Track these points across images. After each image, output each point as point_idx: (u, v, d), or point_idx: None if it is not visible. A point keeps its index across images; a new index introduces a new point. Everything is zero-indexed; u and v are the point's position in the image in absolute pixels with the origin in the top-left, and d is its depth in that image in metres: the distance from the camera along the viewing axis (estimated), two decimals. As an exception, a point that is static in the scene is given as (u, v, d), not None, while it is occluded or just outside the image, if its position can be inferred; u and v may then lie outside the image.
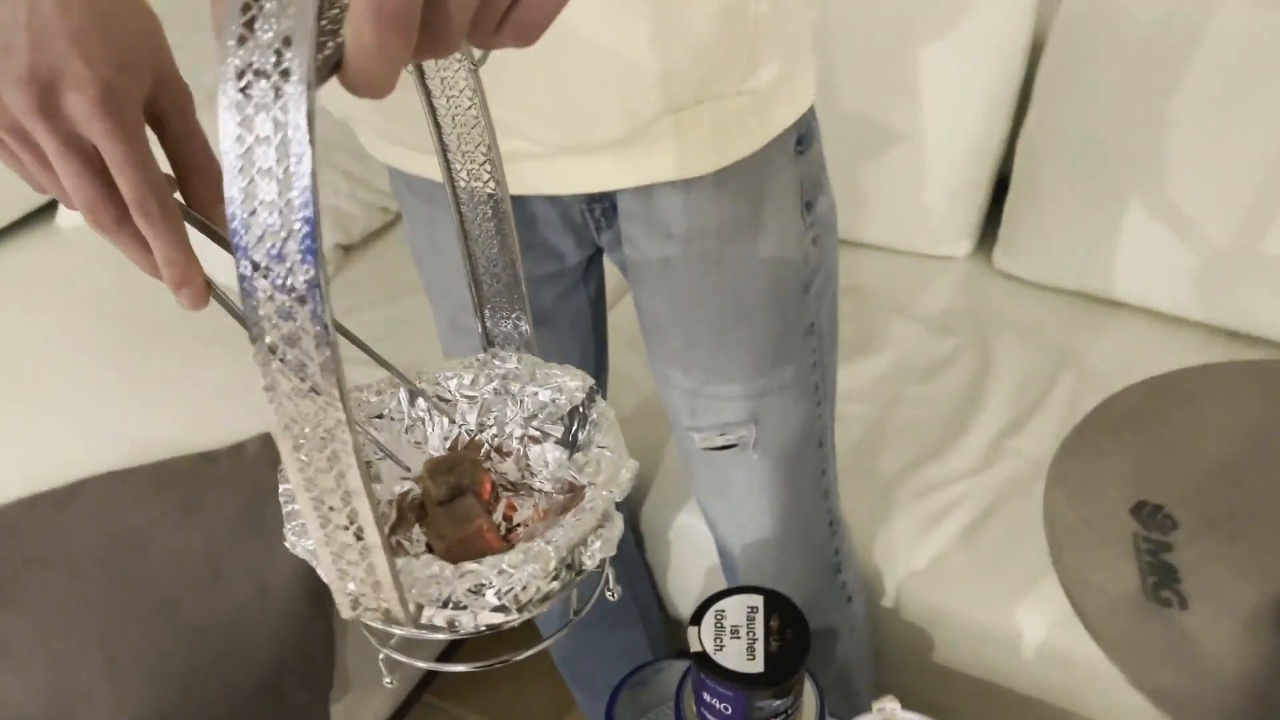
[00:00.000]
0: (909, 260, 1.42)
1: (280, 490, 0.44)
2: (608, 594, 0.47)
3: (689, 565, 1.23)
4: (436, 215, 0.87)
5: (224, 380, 1.23)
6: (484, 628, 0.40)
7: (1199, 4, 1.21)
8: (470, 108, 0.45)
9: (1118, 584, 0.39)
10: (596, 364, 1.03)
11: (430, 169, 0.78)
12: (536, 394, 0.51)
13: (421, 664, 0.46)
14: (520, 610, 0.40)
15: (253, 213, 0.28)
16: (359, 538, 0.35)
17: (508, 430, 0.51)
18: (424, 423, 0.52)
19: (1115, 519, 0.41)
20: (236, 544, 1.03)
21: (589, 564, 0.43)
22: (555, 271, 0.91)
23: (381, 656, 0.45)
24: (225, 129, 0.27)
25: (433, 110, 0.45)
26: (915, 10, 1.32)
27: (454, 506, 0.48)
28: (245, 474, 1.10)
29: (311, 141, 0.27)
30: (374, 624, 0.39)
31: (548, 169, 0.76)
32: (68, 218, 1.58)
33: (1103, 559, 0.39)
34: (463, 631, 0.40)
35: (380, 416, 0.51)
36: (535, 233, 0.87)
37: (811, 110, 0.81)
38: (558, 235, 0.88)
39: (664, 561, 1.25)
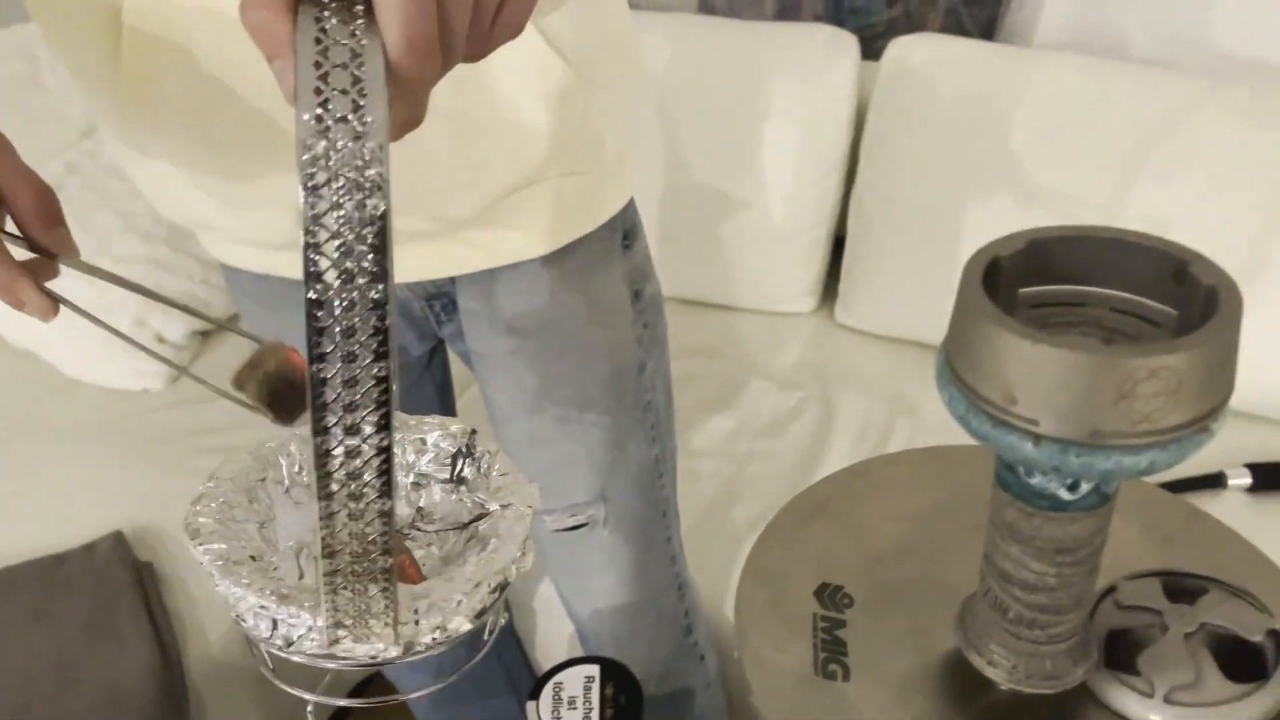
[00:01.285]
0: (758, 319, 1.49)
1: (203, 551, 0.46)
2: (502, 618, 0.51)
3: (554, 633, 1.26)
4: (287, 321, 0.89)
5: (72, 480, 1.22)
6: (433, 645, 0.44)
7: (995, 76, 1.31)
8: None
9: (792, 662, 0.43)
10: None
11: (282, 265, 0.80)
12: (421, 440, 0.54)
13: (342, 701, 0.50)
14: (459, 630, 0.44)
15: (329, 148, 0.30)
16: (369, 556, 0.37)
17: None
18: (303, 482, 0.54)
19: (799, 602, 0.46)
20: (88, 646, 1.03)
21: (512, 578, 0.47)
22: (399, 366, 0.94)
23: (310, 707, 0.49)
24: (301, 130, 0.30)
25: None
26: (751, 89, 1.40)
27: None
28: (96, 574, 1.10)
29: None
30: (336, 663, 0.41)
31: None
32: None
33: (782, 640, 0.44)
34: (413, 653, 0.43)
35: (264, 480, 0.53)
36: None
37: (633, 205, 0.87)
38: (399, 331, 0.91)
39: (530, 630, 1.28)
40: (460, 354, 0.92)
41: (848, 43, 1.37)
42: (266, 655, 0.46)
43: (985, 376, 0.35)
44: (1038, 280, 0.38)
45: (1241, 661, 0.42)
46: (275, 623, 0.42)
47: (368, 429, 0.33)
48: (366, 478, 0.34)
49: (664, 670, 1.04)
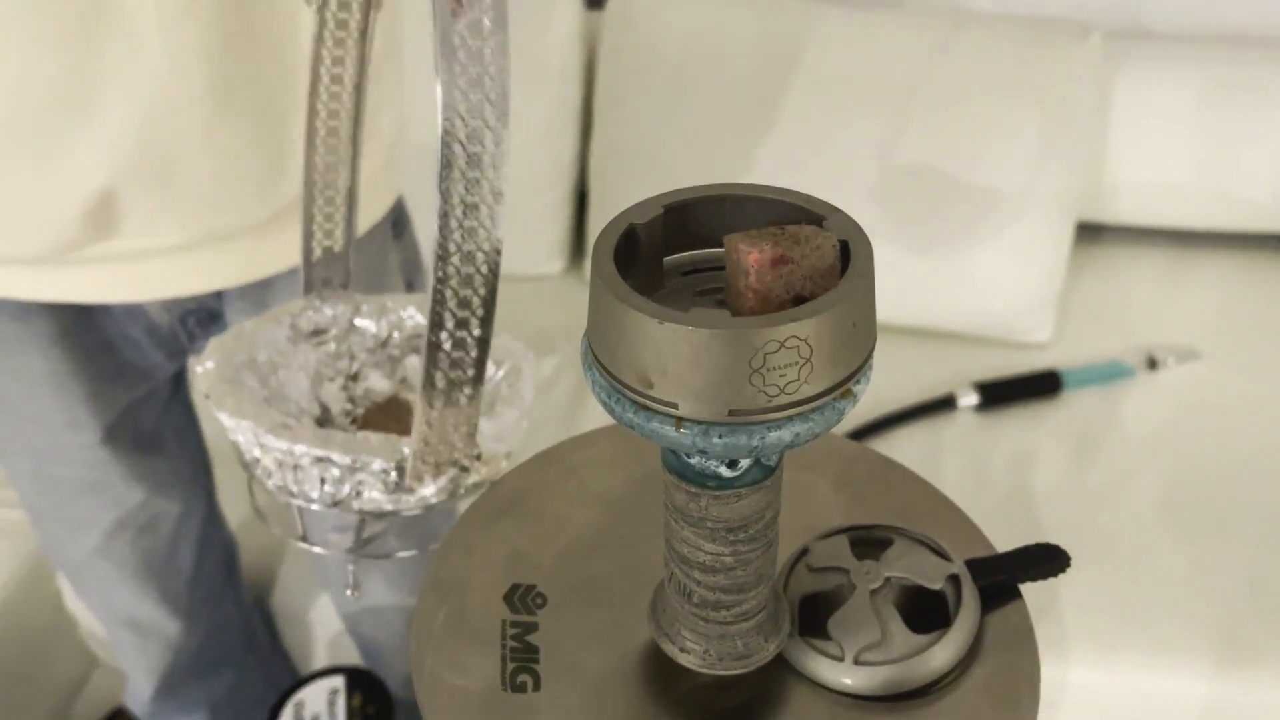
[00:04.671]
0: (506, 285, 1.43)
1: (238, 423, 0.49)
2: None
3: (327, 641, 1.19)
4: (9, 361, 0.78)
5: None
6: (472, 490, 0.49)
7: (717, 20, 1.31)
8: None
9: (476, 681, 0.40)
10: (206, 472, 0.99)
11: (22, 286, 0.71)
12: (399, 317, 0.58)
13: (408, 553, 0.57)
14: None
15: None
16: (468, 382, 0.43)
17: (372, 349, 0.59)
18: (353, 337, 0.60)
19: (488, 610, 0.42)
20: None
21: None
22: (148, 392, 0.86)
23: (351, 565, 0.54)
24: None
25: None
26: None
27: (387, 406, 0.57)
28: None
29: None
30: (426, 480, 0.47)
31: (164, 269, 0.71)
32: None
33: (465, 658, 0.40)
34: (457, 496, 0.49)
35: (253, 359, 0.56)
36: (117, 356, 0.82)
37: (402, 198, 0.83)
38: (144, 353, 0.83)
39: (305, 642, 1.20)
40: None
41: (568, -8, 1.33)
42: (299, 520, 0.51)
43: (622, 360, 0.32)
44: (683, 246, 0.36)
45: (926, 610, 0.42)
46: (323, 480, 0.47)
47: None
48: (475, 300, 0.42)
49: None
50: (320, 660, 1.20)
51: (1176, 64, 1.34)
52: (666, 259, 0.36)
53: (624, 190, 1.38)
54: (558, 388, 1.30)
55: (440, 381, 0.43)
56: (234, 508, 1.10)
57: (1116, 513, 1.15)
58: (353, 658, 1.17)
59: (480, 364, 0.44)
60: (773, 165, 1.30)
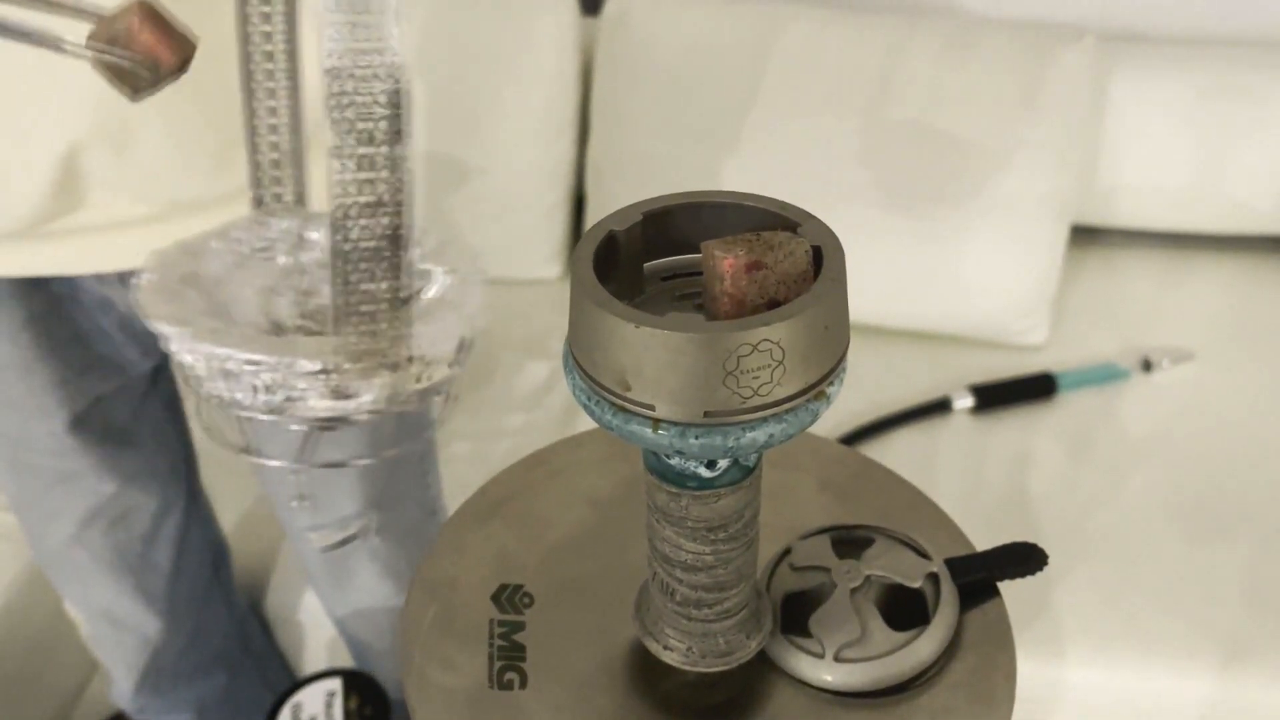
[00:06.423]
0: (502, 289, 1.44)
1: (171, 328, 0.46)
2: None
3: (324, 644, 1.20)
4: None
5: None
6: (409, 399, 0.47)
7: (714, 26, 1.32)
8: None
9: (463, 679, 0.40)
10: (188, 470, 0.99)
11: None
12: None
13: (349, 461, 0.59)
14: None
15: None
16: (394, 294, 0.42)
17: (324, 263, 0.54)
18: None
19: (475, 609, 0.43)
20: None
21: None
22: (121, 385, 0.86)
23: (297, 472, 0.54)
24: None
25: None
26: (467, 47, 1.35)
27: None
28: None
29: None
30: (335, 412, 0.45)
31: (132, 241, 0.71)
32: None
33: (453, 656, 0.41)
34: (397, 402, 0.47)
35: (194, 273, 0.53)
36: (89, 349, 0.82)
37: None
38: (117, 347, 0.83)
39: (298, 643, 1.21)
40: None
41: (564, -2, 1.34)
42: (240, 429, 0.49)
43: (600, 363, 0.32)
44: (664, 252, 0.37)
45: (906, 608, 0.42)
46: (255, 387, 0.45)
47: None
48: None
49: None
50: (317, 663, 1.20)
51: (1172, 67, 1.35)
52: (647, 265, 0.37)
53: (621, 195, 1.38)
54: (553, 392, 1.31)
55: (352, 253, 0.41)
56: (227, 511, 1.10)
57: (1112, 514, 1.15)
58: (350, 661, 1.17)
59: (396, 243, 0.41)
60: (769, 169, 1.31)
